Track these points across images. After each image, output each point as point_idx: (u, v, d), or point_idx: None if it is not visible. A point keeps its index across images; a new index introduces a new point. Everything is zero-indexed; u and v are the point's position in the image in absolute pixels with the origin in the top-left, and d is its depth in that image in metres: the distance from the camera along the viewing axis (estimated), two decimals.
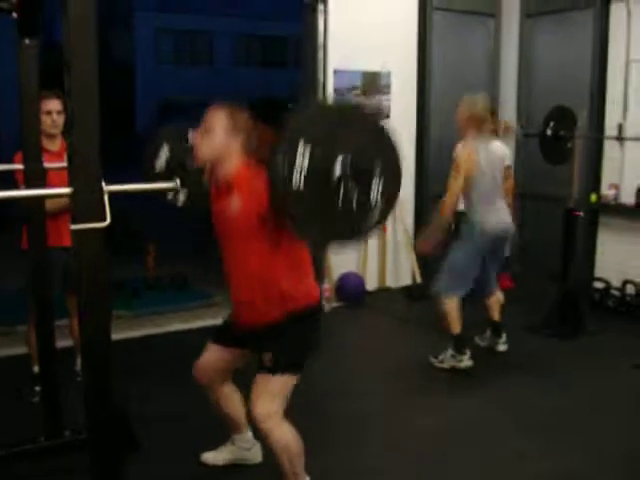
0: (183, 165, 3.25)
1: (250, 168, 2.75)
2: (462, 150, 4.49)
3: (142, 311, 5.94)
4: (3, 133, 14.29)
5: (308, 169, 2.10)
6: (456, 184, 4.46)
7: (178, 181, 2.01)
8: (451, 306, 4.61)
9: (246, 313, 2.86)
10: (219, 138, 2.74)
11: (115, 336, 5.25)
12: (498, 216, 4.61)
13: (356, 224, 2.27)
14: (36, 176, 2.86)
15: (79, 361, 4.16)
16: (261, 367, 2.80)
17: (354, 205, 2.21)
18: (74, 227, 1.87)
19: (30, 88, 2.85)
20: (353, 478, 3.38)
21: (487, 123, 4.57)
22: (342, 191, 2.18)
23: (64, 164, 2.21)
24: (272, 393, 2.80)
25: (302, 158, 2.10)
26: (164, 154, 3.24)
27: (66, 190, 1.90)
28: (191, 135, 3.01)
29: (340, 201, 2.19)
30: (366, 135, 2.26)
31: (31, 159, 2.87)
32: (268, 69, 28.77)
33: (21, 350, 4.42)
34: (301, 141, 2.09)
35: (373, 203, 2.25)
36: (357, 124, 2.26)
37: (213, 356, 3.06)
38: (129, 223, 7.95)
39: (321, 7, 5.88)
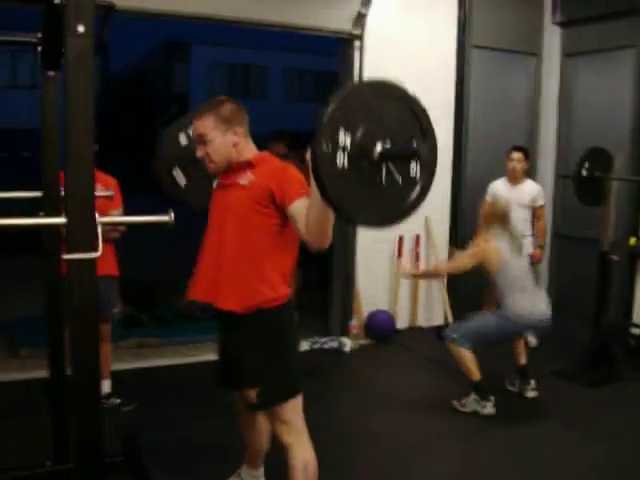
0: (194, 160, 3.29)
1: (271, 156, 2.82)
2: (483, 244, 4.61)
3: (172, 340, 5.99)
4: None
5: (349, 152, 2.11)
6: (463, 263, 4.66)
7: (172, 214, 2.04)
8: (465, 355, 4.53)
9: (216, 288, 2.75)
10: (217, 141, 2.73)
11: (143, 364, 5.33)
12: (533, 304, 4.56)
13: (399, 201, 2.26)
14: (53, 204, 2.90)
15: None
16: (250, 405, 2.79)
17: (395, 181, 2.22)
18: (67, 257, 1.89)
19: (51, 118, 2.92)
20: None
21: (508, 220, 4.67)
22: (383, 170, 2.19)
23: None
24: (280, 422, 2.79)
25: (342, 142, 2.11)
26: (177, 171, 3.27)
27: (61, 220, 1.92)
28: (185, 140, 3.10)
29: (381, 179, 2.19)
30: (399, 109, 2.25)
31: (48, 187, 2.93)
32: (320, 103, 28.95)
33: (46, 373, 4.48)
34: (340, 127, 2.10)
35: (414, 178, 2.26)
36: (390, 101, 2.25)
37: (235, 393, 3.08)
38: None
39: (357, 43, 5.93)
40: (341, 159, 2.13)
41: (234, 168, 2.79)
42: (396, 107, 2.23)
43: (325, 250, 2.52)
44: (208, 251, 2.79)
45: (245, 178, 2.72)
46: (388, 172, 2.20)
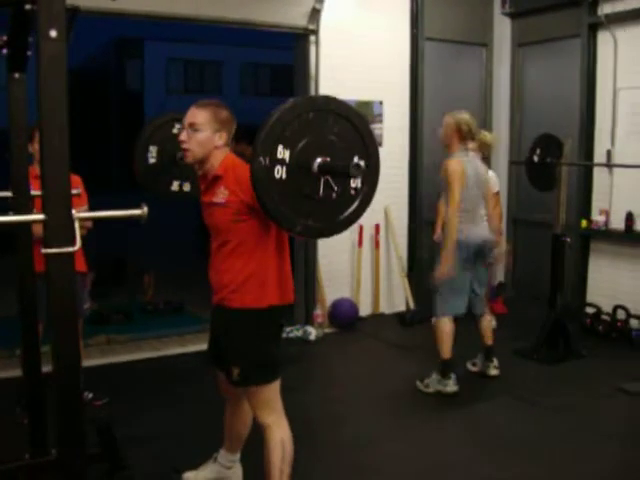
0: (174, 157, 3.40)
1: (236, 160, 2.90)
2: (453, 164, 4.53)
3: (139, 335, 6.04)
4: None
5: (288, 165, 2.23)
6: (454, 199, 4.48)
7: (145, 208, 2.12)
8: (443, 328, 4.65)
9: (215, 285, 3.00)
10: (204, 135, 2.86)
11: (112, 359, 5.37)
12: (478, 230, 4.67)
13: (337, 213, 2.39)
14: (23, 203, 2.97)
15: None
16: (232, 382, 2.93)
17: (335, 194, 2.33)
18: (46, 251, 1.97)
19: (19, 119, 2.98)
20: None
21: (472, 136, 4.62)
22: (321, 183, 2.30)
23: None
24: (259, 403, 2.94)
25: (281, 155, 2.22)
26: (154, 149, 3.38)
27: (39, 216, 2.01)
28: (178, 130, 3.18)
29: (320, 192, 2.30)
30: (343, 126, 2.36)
31: (18, 187, 2.98)
32: (276, 97, 28.94)
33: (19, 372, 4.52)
34: (279, 142, 2.21)
35: (354, 192, 2.37)
36: (334, 117, 2.35)
37: (220, 375, 3.18)
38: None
39: (312, 38, 6.04)
40: (279, 172, 2.24)
41: (209, 182, 2.92)
42: (339, 124, 2.34)
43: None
44: (213, 261, 2.99)
45: (220, 195, 2.85)
46: (327, 185, 2.31)
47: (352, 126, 2.38)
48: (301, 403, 4.47)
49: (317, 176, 2.29)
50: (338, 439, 4.09)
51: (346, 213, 2.42)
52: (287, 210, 2.30)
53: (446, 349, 4.67)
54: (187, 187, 3.60)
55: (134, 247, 8.35)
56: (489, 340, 5.04)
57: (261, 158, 2.21)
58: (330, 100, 2.40)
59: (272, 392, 2.94)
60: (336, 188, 2.35)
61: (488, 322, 5.05)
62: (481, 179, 4.73)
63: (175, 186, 3.57)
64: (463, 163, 4.55)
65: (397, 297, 6.83)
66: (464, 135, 4.61)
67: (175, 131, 3.42)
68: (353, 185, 2.40)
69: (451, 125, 4.62)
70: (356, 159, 2.37)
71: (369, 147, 2.43)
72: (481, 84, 7.25)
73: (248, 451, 3.35)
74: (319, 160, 2.28)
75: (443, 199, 4.79)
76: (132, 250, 8.30)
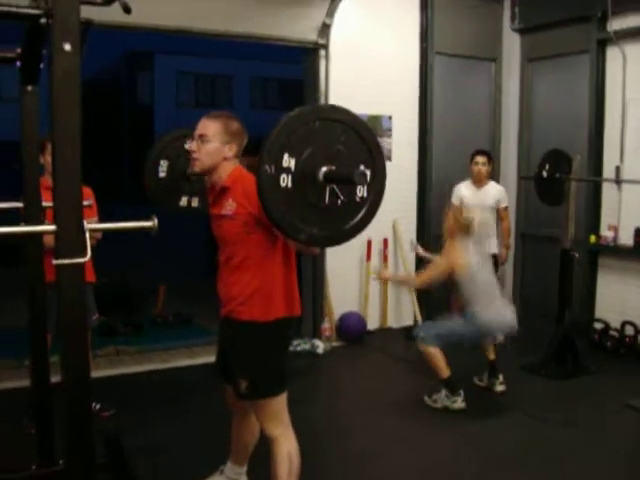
0: (184, 173, 3.42)
1: (244, 173, 2.91)
2: (451, 252, 4.69)
3: (147, 347, 6.06)
4: None
5: (293, 174, 2.23)
6: (437, 271, 4.70)
7: (155, 220, 2.14)
8: (434, 353, 4.65)
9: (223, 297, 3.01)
10: (214, 146, 2.88)
11: (121, 370, 5.38)
12: (500, 313, 4.67)
13: (344, 222, 2.39)
14: (34, 214, 2.99)
15: None
16: (240, 395, 2.94)
17: (340, 203, 2.33)
18: (57, 262, 1.99)
19: (31, 131, 3.00)
20: None
21: (472, 230, 4.75)
22: (327, 192, 2.30)
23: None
24: (267, 415, 2.96)
25: (287, 164, 2.23)
26: (165, 163, 3.41)
27: (50, 227, 2.03)
28: (188, 144, 3.19)
29: (326, 201, 2.30)
30: (348, 135, 2.36)
31: (30, 198, 3.01)
32: (286, 112, 28.87)
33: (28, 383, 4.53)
34: (284, 151, 2.22)
35: (359, 201, 2.37)
36: (338, 126, 2.36)
37: (227, 388, 3.20)
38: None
39: (322, 52, 6.07)
40: (285, 180, 2.24)
41: (217, 194, 2.95)
42: (346, 133, 2.34)
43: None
44: (221, 273, 3.02)
45: (228, 207, 2.88)
46: (333, 194, 2.31)
47: (358, 136, 2.39)
48: (308, 416, 4.46)
49: (323, 185, 2.29)
50: (345, 452, 4.09)
51: (352, 222, 2.42)
52: (293, 219, 2.30)
53: (442, 367, 4.67)
54: (195, 203, 3.63)
55: (143, 260, 8.38)
56: (491, 355, 5.05)
57: (267, 166, 2.22)
58: (336, 109, 2.40)
59: (279, 405, 2.95)
60: (342, 197, 2.35)
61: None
62: (488, 260, 4.95)
63: (184, 201, 3.60)
64: (461, 252, 4.66)
65: (405, 311, 6.82)
66: (465, 229, 4.72)
67: (187, 146, 3.45)
68: (359, 194, 2.39)
69: (451, 224, 4.76)
70: (362, 167, 2.37)
71: (375, 157, 2.43)
72: (490, 99, 7.26)
73: (255, 464, 3.36)
74: (324, 169, 2.28)
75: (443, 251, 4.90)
76: (141, 263, 8.33)
